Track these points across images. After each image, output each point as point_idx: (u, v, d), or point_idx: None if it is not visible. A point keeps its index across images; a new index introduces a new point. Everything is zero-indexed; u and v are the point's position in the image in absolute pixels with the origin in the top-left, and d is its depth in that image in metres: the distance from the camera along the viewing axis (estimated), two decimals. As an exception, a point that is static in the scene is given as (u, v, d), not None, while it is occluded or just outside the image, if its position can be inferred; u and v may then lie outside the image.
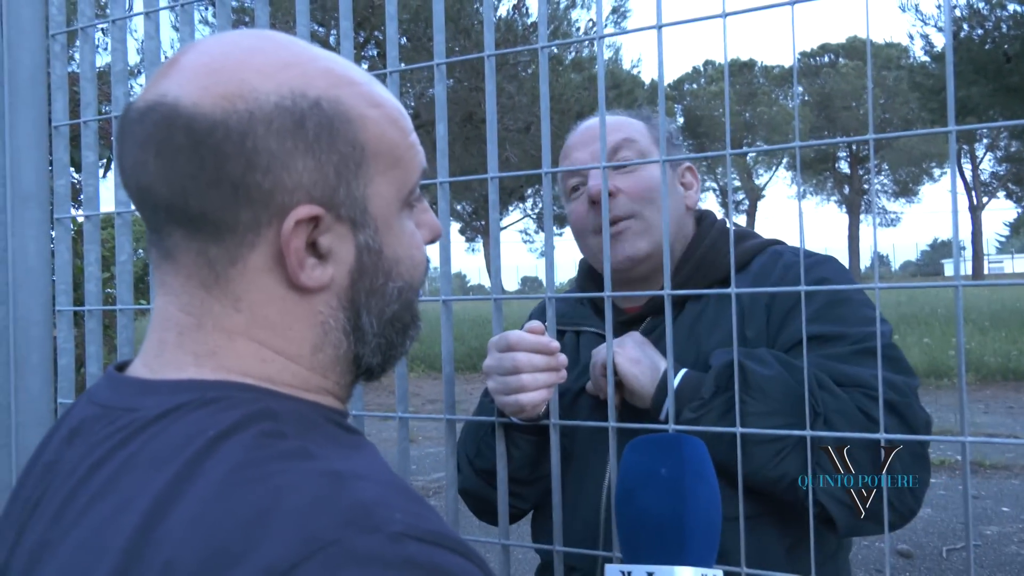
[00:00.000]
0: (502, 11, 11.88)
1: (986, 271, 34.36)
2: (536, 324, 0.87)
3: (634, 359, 0.89)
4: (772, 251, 1.00)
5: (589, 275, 1.09)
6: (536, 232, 32.59)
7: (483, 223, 24.61)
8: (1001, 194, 34.22)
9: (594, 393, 0.92)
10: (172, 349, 0.50)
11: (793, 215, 0.84)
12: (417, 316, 0.58)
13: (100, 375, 1.21)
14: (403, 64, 0.98)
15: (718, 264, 0.99)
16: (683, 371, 0.89)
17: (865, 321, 0.88)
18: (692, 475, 0.65)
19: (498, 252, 0.95)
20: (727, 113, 0.84)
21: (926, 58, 15.45)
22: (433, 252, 0.97)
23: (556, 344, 0.86)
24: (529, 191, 24.63)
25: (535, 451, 0.94)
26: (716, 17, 0.80)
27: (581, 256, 1.11)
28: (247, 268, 0.48)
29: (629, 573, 0.66)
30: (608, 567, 0.70)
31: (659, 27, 0.83)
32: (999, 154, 31.34)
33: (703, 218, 1.08)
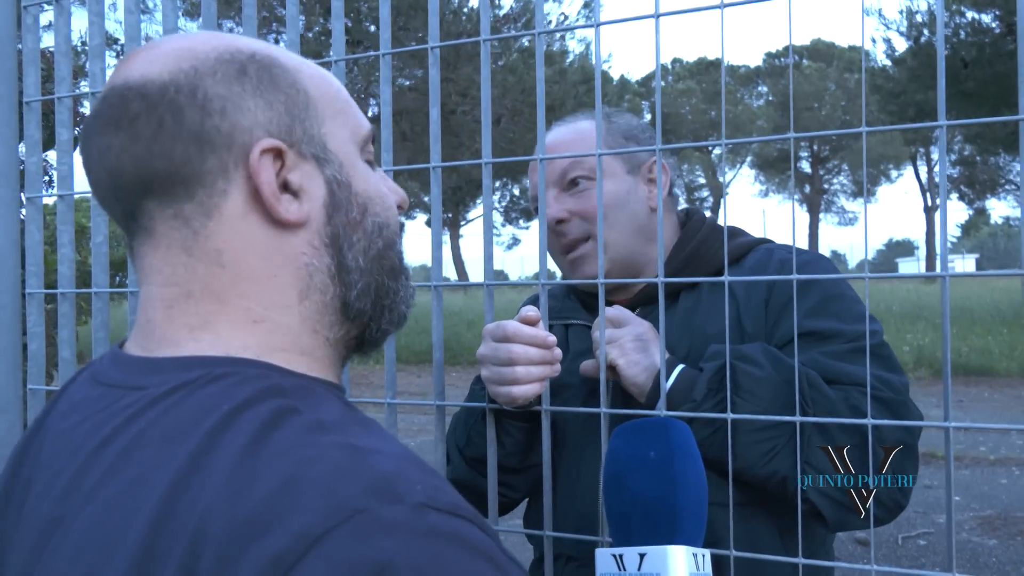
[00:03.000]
0: (473, 1, 11.81)
1: (938, 270, 35.40)
2: (532, 312, 0.87)
3: (633, 361, 0.88)
4: (764, 248, 1.01)
5: None
6: (503, 225, 32.61)
7: (450, 215, 24.50)
8: (954, 196, 35.28)
9: (589, 375, 0.92)
10: (163, 325, 0.50)
11: (757, 213, 0.86)
12: (404, 263, 0.57)
13: (72, 360, 1.18)
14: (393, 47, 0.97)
15: (709, 258, 1.00)
16: (679, 369, 0.89)
17: (859, 318, 0.90)
18: (681, 457, 0.66)
19: (491, 238, 0.95)
20: (722, 106, 0.85)
21: (887, 62, 15.83)
22: (425, 248, 0.96)
23: (552, 338, 0.86)
24: (497, 183, 24.61)
25: (526, 438, 0.94)
26: (714, 8, 0.81)
27: None
28: (223, 217, 0.49)
29: (621, 556, 0.67)
30: (599, 551, 0.71)
31: (656, 16, 0.84)
32: (953, 157, 32.29)
33: (691, 215, 1.08)
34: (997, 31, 12.58)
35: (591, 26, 0.89)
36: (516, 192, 26.17)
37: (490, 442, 0.92)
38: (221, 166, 0.49)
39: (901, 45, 15.45)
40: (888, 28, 15.50)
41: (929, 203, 34.32)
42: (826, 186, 34.22)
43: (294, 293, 0.51)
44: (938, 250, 0.77)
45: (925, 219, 34.13)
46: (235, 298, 0.49)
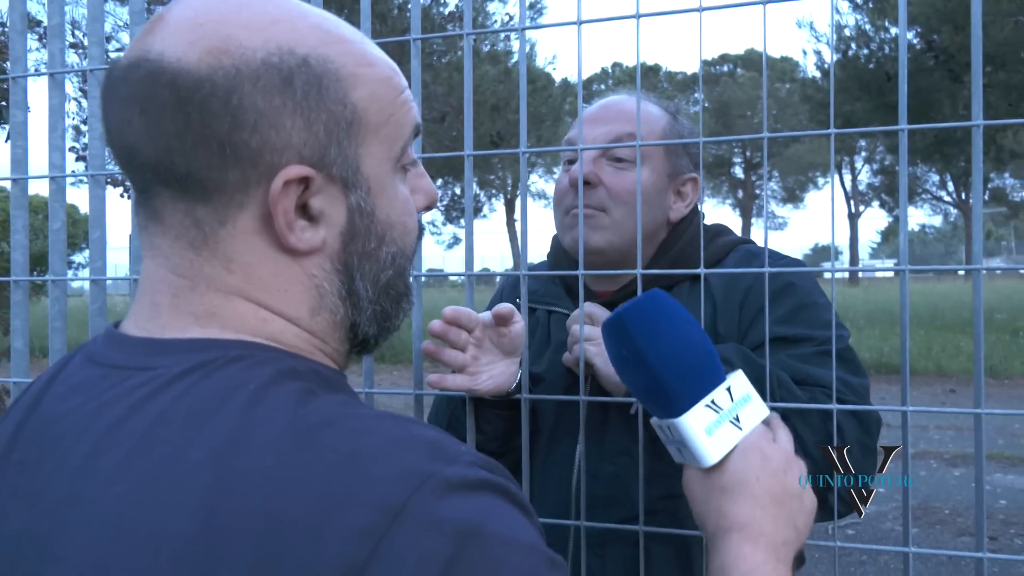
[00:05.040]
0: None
1: (860, 274, 37.09)
2: (505, 310, 0.89)
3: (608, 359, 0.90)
4: (745, 250, 1.04)
5: (564, 253, 1.10)
6: (444, 224, 32.45)
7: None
8: (875, 203, 37.05)
9: (571, 367, 0.95)
10: (168, 311, 0.49)
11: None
12: (410, 287, 0.58)
13: (25, 351, 1.13)
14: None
15: (695, 258, 1.01)
16: None
17: (827, 325, 0.94)
18: (646, 341, 0.66)
19: (471, 229, 0.96)
20: (764, 103, 0.88)
21: (817, 73, 16.50)
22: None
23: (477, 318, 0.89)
24: (439, 182, 24.48)
25: (506, 426, 0.96)
26: (631, 17, 0.85)
27: (553, 234, 1.13)
28: (236, 229, 0.47)
29: (660, 426, 0.70)
30: (654, 419, 0.72)
31: (579, 23, 0.87)
32: (875, 167, 33.89)
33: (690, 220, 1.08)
34: (919, 47, 13.29)
35: (516, 29, 0.93)
36: (457, 191, 26.06)
37: (469, 430, 0.94)
38: (242, 180, 0.46)
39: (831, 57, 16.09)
40: (819, 41, 16.16)
41: (853, 210, 35.91)
42: (757, 191, 35.35)
43: (305, 308, 0.50)
44: (901, 247, 0.82)
45: (849, 225, 35.70)
46: (242, 299, 0.48)
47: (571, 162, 1.04)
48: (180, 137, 0.45)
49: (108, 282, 1.12)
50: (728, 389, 0.70)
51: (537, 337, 1.08)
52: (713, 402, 0.68)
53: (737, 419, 0.69)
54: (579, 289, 0.88)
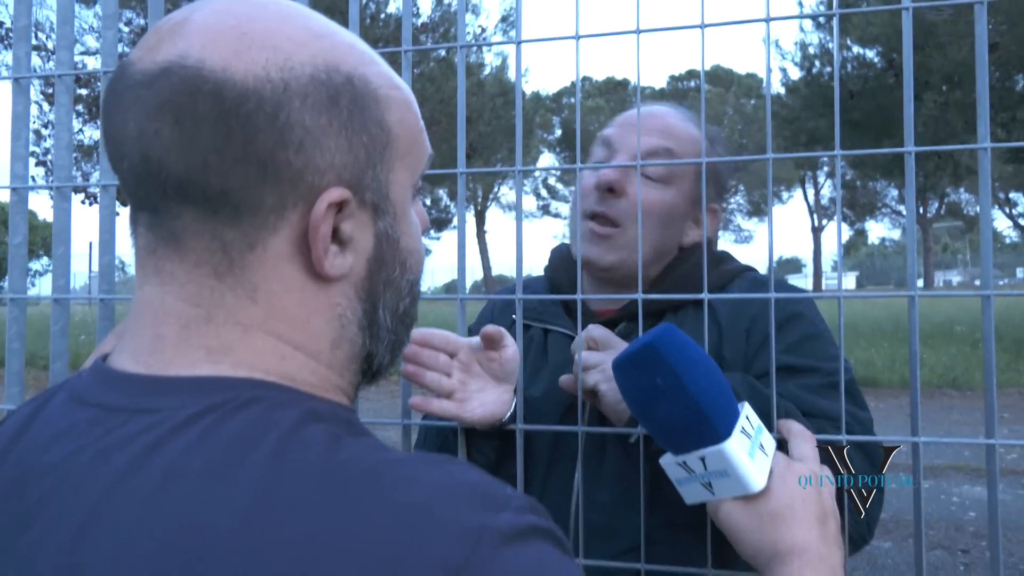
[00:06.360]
0: (391, 8, 11.67)
1: (824, 287, 37.83)
2: (492, 330, 0.85)
3: (616, 388, 0.85)
4: (751, 277, 1.00)
5: (564, 267, 1.05)
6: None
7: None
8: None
9: (569, 390, 0.90)
10: (175, 344, 0.44)
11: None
12: (417, 315, 0.56)
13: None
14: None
15: (699, 283, 0.97)
16: None
17: (833, 358, 0.91)
18: (685, 369, 0.65)
19: (463, 252, 0.92)
20: (768, 125, 0.86)
21: (783, 90, 16.82)
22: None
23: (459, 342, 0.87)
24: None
25: (498, 455, 0.92)
26: (630, 32, 0.82)
27: (552, 248, 1.08)
28: (267, 254, 0.44)
29: (684, 462, 0.68)
30: (663, 460, 0.71)
31: (576, 37, 0.84)
32: (837, 181, 34.63)
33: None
34: (880, 66, 13.65)
35: (512, 42, 0.90)
36: (428, 202, 25.99)
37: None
38: (280, 202, 0.43)
39: (796, 74, 16.47)
40: (784, 58, 16.50)
41: (816, 223, 36.65)
42: (724, 205, 35.90)
43: (327, 341, 0.47)
44: (909, 273, 0.80)
45: (813, 239, 36.41)
46: (262, 333, 0.45)
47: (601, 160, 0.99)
48: (219, 153, 0.41)
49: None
50: (747, 417, 0.70)
51: (532, 356, 1.03)
52: (743, 428, 0.67)
53: (762, 446, 0.69)
54: (578, 312, 0.84)
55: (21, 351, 1.07)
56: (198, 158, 0.42)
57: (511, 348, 0.87)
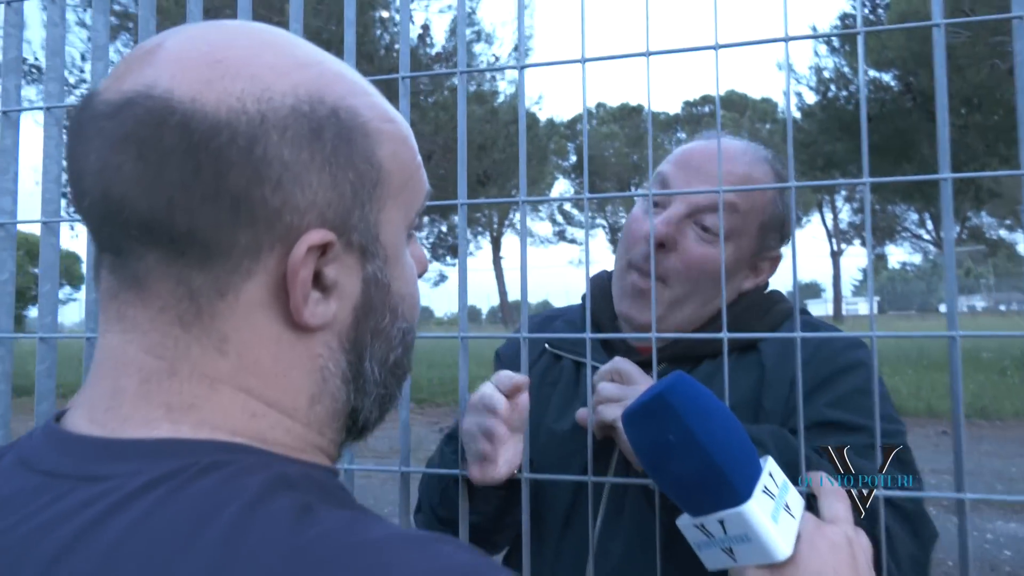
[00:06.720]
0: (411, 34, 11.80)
1: (844, 311, 37.36)
2: (520, 379, 0.78)
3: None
4: (801, 321, 0.90)
5: (602, 298, 0.97)
6: (430, 260, 32.42)
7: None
8: (857, 242, 37.55)
9: (582, 424, 0.82)
10: (133, 400, 0.40)
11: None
12: (411, 365, 0.51)
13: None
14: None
15: (752, 326, 0.90)
16: None
17: (885, 417, 0.79)
18: (698, 421, 0.59)
19: (465, 287, 0.86)
20: (790, 152, 0.80)
21: (798, 114, 16.78)
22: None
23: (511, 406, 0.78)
24: (425, 219, 24.54)
25: (503, 504, 0.85)
26: (640, 55, 0.77)
27: (590, 275, 0.97)
28: (239, 302, 0.40)
29: (702, 524, 0.62)
30: (680, 523, 0.65)
31: (583, 60, 0.79)
32: (855, 205, 34.41)
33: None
34: (896, 89, 13.58)
35: (515, 67, 0.86)
36: (444, 229, 26.12)
37: (463, 515, 0.82)
38: (254, 244, 0.39)
39: (811, 99, 16.44)
40: (799, 82, 16.48)
41: (835, 248, 36.35)
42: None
43: (304, 396, 0.43)
44: (948, 311, 0.73)
45: (832, 263, 36.09)
46: (231, 389, 0.41)
47: (658, 204, 0.90)
48: (186, 189, 0.38)
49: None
50: (770, 474, 0.63)
51: (561, 389, 0.95)
52: (766, 488, 0.61)
53: (788, 506, 0.62)
54: (587, 351, 0.78)
55: (7, 392, 1.03)
56: (163, 195, 0.38)
57: (526, 395, 0.81)
